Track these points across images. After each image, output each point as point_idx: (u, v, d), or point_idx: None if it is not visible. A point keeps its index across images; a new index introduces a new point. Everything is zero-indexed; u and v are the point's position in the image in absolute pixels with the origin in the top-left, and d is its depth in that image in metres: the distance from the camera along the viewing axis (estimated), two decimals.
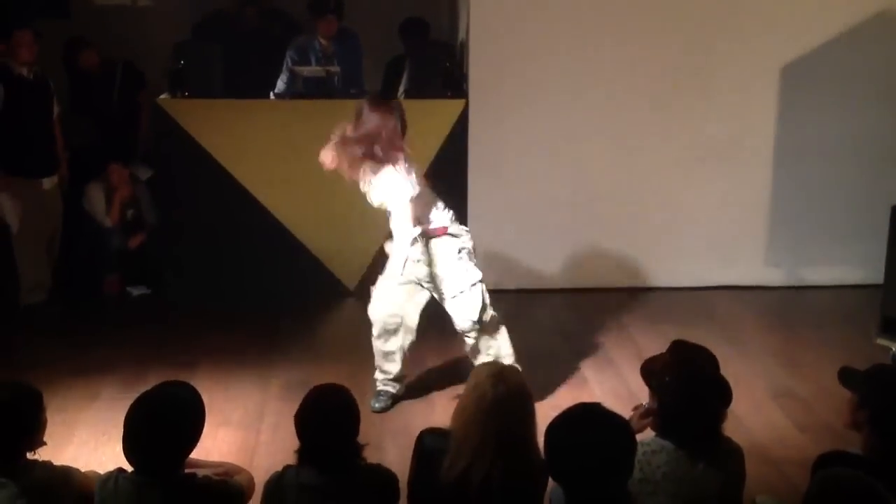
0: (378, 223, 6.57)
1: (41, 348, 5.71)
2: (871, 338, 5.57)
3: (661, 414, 3.08)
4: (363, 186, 4.69)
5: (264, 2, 7.51)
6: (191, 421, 2.93)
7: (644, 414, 3.18)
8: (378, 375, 4.96)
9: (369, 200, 4.72)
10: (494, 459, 2.86)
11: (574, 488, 2.55)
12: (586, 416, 2.59)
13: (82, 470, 3.24)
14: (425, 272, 4.70)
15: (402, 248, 4.64)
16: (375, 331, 4.91)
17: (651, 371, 3.29)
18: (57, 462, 3.20)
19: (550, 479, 2.80)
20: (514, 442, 2.89)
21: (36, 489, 2.95)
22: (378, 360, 4.94)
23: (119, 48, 7.20)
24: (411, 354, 5.05)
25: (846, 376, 3.22)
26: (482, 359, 4.73)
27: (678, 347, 3.35)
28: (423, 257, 4.68)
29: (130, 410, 2.87)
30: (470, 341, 4.81)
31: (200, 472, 3.02)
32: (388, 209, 4.69)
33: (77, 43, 6.94)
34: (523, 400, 2.95)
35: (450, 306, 4.72)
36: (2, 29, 5.96)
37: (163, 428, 2.83)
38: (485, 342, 4.81)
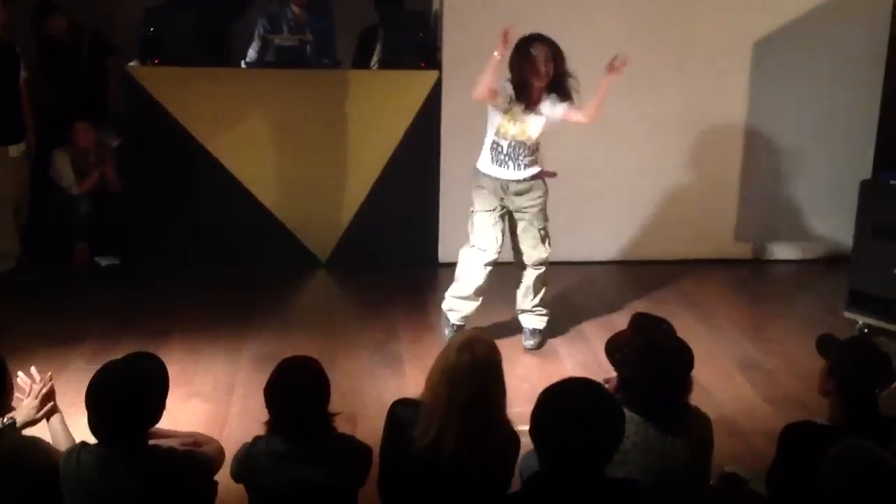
0: (350, 196, 6.60)
1: (9, 318, 5.64)
2: (837, 311, 5.64)
3: (626, 386, 3.10)
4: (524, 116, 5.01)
5: None
6: (154, 392, 2.89)
7: (618, 385, 3.20)
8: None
9: (525, 134, 5.05)
10: (463, 428, 2.88)
11: (553, 459, 2.53)
12: (585, 391, 2.57)
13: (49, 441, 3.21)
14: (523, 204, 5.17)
15: None
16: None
17: (614, 347, 3.32)
18: (25, 433, 3.17)
19: (522, 449, 2.81)
20: (480, 410, 2.91)
21: (2, 459, 2.93)
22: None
23: (91, 13, 7.09)
24: (384, 325, 5.27)
25: (823, 344, 3.28)
26: (528, 300, 5.30)
27: (637, 320, 3.37)
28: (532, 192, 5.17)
29: (93, 381, 2.84)
30: (534, 275, 5.27)
31: (166, 444, 3.00)
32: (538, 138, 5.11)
33: (46, 7, 6.83)
34: (489, 369, 2.96)
35: (535, 239, 5.21)
36: None
37: (125, 399, 2.79)
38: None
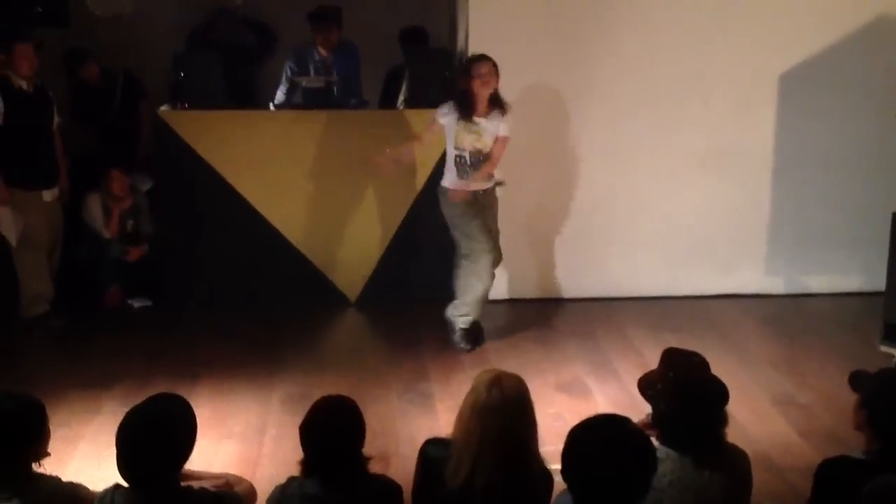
0: (378, 234, 6.63)
1: (43, 361, 5.71)
2: (873, 345, 5.56)
3: (660, 422, 3.07)
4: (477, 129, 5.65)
5: (235, 12, 7.51)
6: (182, 433, 2.89)
7: (649, 422, 3.17)
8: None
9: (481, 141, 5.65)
10: (495, 466, 2.86)
11: (586, 498, 2.52)
12: (614, 428, 2.55)
13: (87, 486, 3.22)
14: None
15: None
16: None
17: (647, 383, 3.29)
18: (59, 476, 3.18)
19: (555, 488, 2.79)
20: (512, 447, 2.89)
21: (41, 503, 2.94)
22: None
23: (117, 56, 7.21)
24: (414, 363, 5.46)
25: (855, 378, 3.24)
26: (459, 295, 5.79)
27: (669, 355, 3.35)
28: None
29: (121, 425, 2.84)
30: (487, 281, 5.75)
31: (198, 485, 3.00)
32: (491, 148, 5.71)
33: (78, 54, 6.95)
34: (520, 406, 2.94)
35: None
36: (3, 40, 5.98)
37: (153, 441, 2.80)
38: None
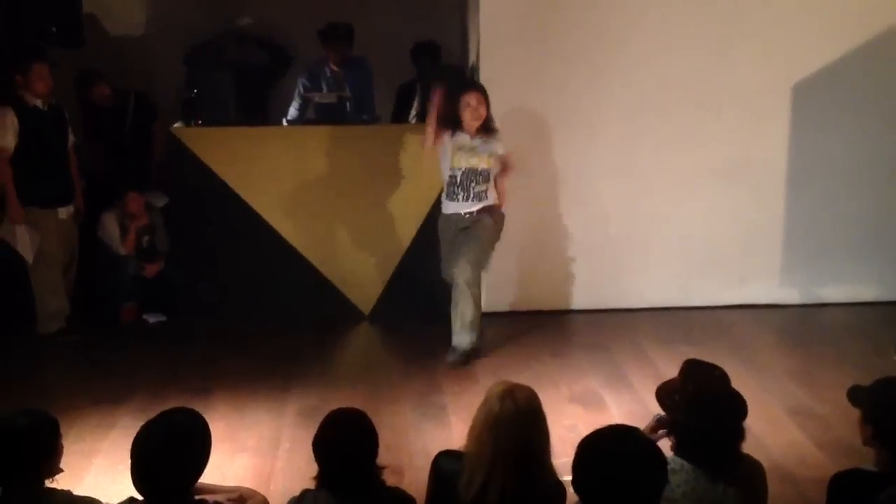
0: (392, 247, 6.64)
1: (59, 377, 5.74)
2: (888, 354, 5.53)
3: (678, 434, 3.06)
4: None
5: (247, 31, 7.56)
6: (196, 448, 2.91)
7: (656, 425, 3.16)
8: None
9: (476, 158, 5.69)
10: (508, 477, 2.86)
11: None
12: (622, 438, 2.55)
13: (102, 500, 3.23)
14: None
15: None
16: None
17: (665, 393, 3.28)
18: (75, 492, 3.19)
19: (569, 497, 2.78)
20: (525, 459, 2.88)
21: None
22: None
23: (131, 75, 7.26)
24: (427, 377, 5.46)
25: (854, 394, 3.21)
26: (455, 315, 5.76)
27: (689, 367, 3.33)
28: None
29: (136, 439, 2.87)
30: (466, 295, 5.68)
31: (212, 498, 3.01)
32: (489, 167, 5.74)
33: (89, 76, 7.00)
34: (533, 417, 2.94)
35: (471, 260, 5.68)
36: (20, 60, 6.03)
37: (165, 455, 2.81)
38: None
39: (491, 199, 5.78)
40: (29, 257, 6.16)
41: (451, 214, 5.77)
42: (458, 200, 5.71)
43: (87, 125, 7.08)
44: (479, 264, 5.75)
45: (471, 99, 5.63)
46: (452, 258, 5.73)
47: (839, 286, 6.89)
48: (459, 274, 5.67)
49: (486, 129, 5.69)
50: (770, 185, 6.76)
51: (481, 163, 5.67)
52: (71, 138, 6.38)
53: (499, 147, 5.71)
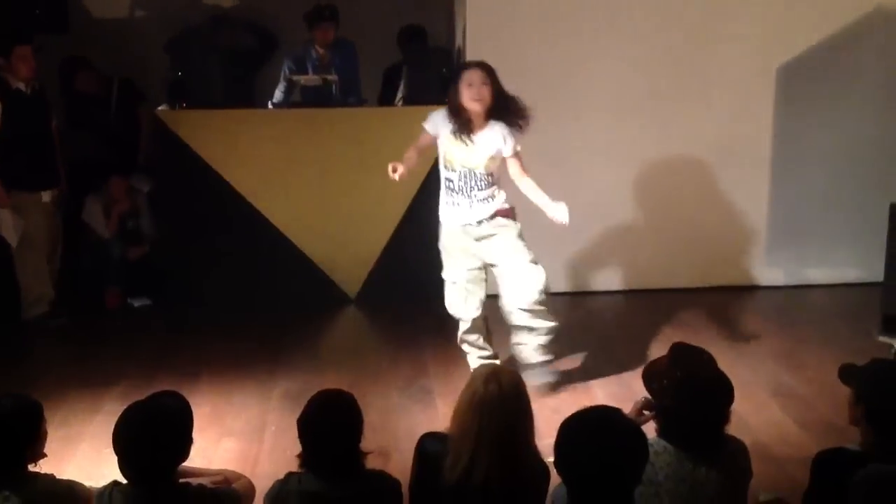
0: (378, 231, 6.64)
1: (44, 362, 5.73)
2: (871, 336, 5.55)
3: (664, 418, 3.07)
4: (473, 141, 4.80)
5: (235, 16, 7.53)
6: (176, 430, 2.91)
7: (643, 406, 3.17)
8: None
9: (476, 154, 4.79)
10: (493, 460, 2.87)
11: (579, 490, 2.53)
12: (604, 419, 2.56)
13: (85, 484, 3.24)
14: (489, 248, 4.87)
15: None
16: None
17: (652, 376, 3.29)
18: (60, 476, 3.20)
19: (552, 479, 2.80)
20: (509, 441, 2.90)
21: (39, 502, 2.96)
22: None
23: (116, 59, 7.22)
24: (414, 360, 5.37)
25: (846, 373, 3.22)
26: (523, 349, 4.99)
27: (677, 351, 3.35)
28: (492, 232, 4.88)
29: (119, 423, 2.87)
30: (525, 321, 4.88)
31: (196, 481, 3.02)
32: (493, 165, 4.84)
33: (74, 63, 6.95)
34: (517, 400, 2.95)
35: (521, 275, 4.80)
36: (2, 43, 5.99)
37: (147, 438, 2.81)
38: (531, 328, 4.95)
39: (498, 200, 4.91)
40: (13, 241, 6.13)
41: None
42: (456, 208, 4.86)
43: (71, 113, 7.04)
44: None
45: (473, 76, 4.70)
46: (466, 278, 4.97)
47: (823, 268, 6.94)
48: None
49: (500, 110, 4.74)
50: (756, 167, 6.79)
51: (480, 165, 4.78)
52: (54, 122, 6.33)
53: (509, 146, 4.79)
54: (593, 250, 6.81)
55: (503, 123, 4.77)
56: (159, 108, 6.55)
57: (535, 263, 4.85)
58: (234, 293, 6.57)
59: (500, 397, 2.92)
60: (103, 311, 6.61)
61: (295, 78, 6.72)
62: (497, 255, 4.87)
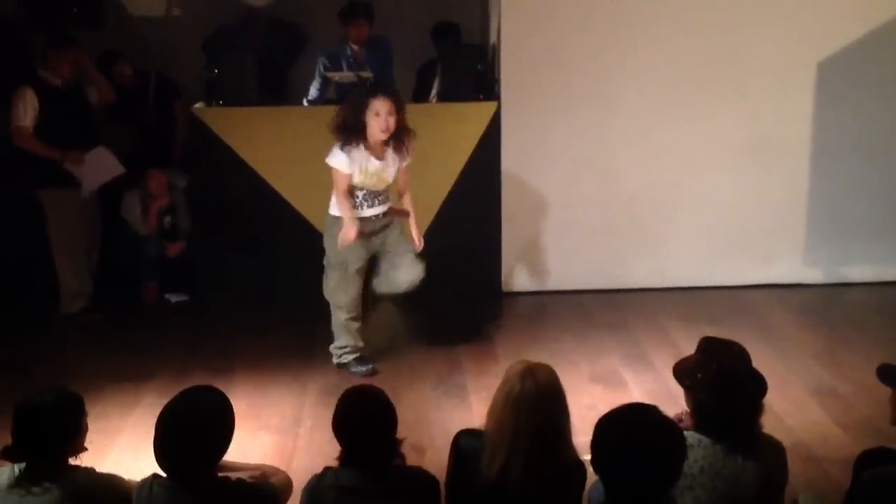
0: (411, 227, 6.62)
1: (82, 356, 5.78)
2: None
3: (697, 411, 3.05)
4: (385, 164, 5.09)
5: (268, 14, 7.56)
6: (218, 425, 2.92)
7: (679, 420, 3.16)
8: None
9: (386, 178, 5.15)
10: (529, 457, 2.86)
11: (617, 487, 2.52)
12: (640, 416, 2.55)
13: (125, 477, 3.26)
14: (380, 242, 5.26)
15: None
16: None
17: (683, 371, 3.28)
18: (99, 469, 3.23)
19: (589, 477, 2.78)
20: (546, 438, 2.88)
21: (79, 494, 2.99)
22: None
23: (152, 56, 7.28)
24: (447, 356, 5.39)
25: (885, 372, 3.19)
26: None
27: (707, 344, 3.33)
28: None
29: (160, 418, 2.89)
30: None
31: (235, 475, 3.03)
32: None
33: (110, 57, 7.01)
34: (553, 396, 2.94)
35: (408, 265, 5.30)
36: (53, 41, 6.05)
37: (190, 433, 2.84)
38: None
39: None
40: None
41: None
42: (360, 209, 5.16)
43: (109, 106, 7.10)
44: None
45: (382, 106, 4.83)
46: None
47: (863, 266, 6.84)
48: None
49: (398, 138, 4.98)
50: (794, 163, 6.70)
51: (387, 182, 5.14)
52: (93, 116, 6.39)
53: (402, 166, 5.13)
54: (628, 247, 6.77)
55: (400, 146, 5.05)
56: (195, 105, 6.59)
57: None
58: (268, 288, 6.60)
59: (537, 394, 2.90)
60: (140, 307, 6.67)
61: (329, 75, 6.74)
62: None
